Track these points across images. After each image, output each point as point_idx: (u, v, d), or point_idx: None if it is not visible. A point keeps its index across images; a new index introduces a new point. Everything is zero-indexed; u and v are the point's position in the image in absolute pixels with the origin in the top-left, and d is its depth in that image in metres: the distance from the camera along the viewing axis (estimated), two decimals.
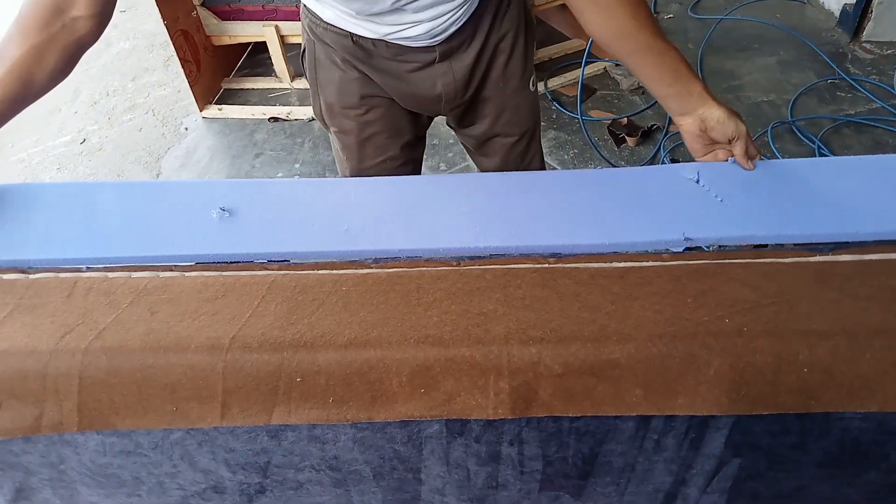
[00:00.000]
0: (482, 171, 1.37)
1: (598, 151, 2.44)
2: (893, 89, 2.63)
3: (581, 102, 2.58)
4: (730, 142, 0.94)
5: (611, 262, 0.82)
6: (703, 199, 0.89)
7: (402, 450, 0.76)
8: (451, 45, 1.11)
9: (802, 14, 3.24)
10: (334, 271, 0.83)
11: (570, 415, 0.70)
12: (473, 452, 0.77)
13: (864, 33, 2.96)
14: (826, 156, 2.36)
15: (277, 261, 0.87)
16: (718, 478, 0.79)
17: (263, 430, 0.75)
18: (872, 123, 2.48)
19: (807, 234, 0.83)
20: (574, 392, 0.70)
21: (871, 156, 0.96)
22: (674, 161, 2.39)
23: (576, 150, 2.46)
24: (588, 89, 2.76)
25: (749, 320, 0.71)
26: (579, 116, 2.56)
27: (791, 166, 0.95)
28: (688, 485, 0.81)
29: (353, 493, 0.82)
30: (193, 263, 0.86)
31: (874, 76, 2.73)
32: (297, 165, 2.52)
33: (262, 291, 0.79)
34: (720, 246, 0.86)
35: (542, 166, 1.41)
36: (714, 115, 0.92)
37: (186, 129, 2.76)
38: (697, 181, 0.91)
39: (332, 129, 1.27)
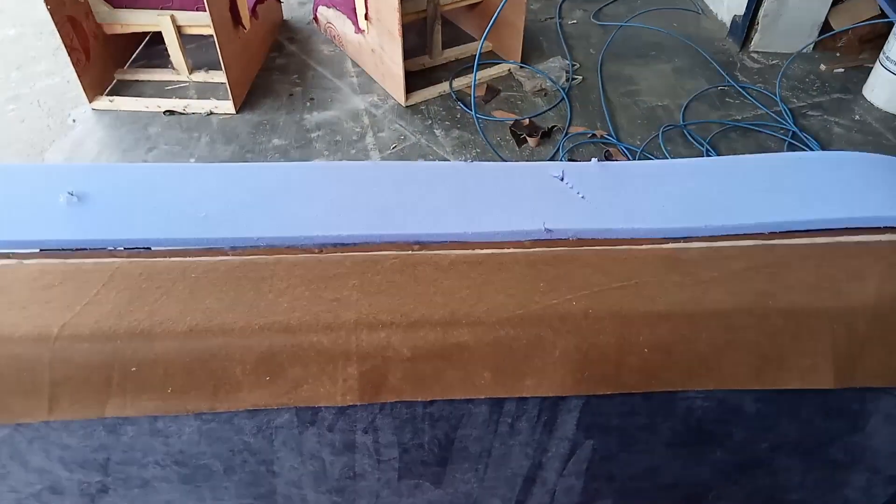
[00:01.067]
0: None
1: (496, 152, 2.47)
2: (776, 97, 2.79)
3: (474, 102, 2.61)
4: None
5: (473, 250, 0.82)
6: (565, 194, 0.90)
7: (252, 441, 0.74)
8: None
9: (697, 24, 3.39)
10: (187, 259, 0.79)
11: (421, 399, 0.70)
12: (327, 442, 0.75)
13: (752, 44, 3.13)
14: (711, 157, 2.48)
15: (131, 248, 0.82)
16: (574, 460, 0.81)
17: (100, 423, 0.71)
18: (757, 128, 2.62)
19: (660, 227, 0.86)
20: (423, 376, 0.69)
21: (735, 156, 1.01)
22: (571, 161, 2.45)
23: (478, 150, 2.48)
24: (492, 90, 2.80)
25: (595, 303, 0.73)
26: (474, 114, 2.59)
27: (658, 166, 0.98)
28: (545, 468, 0.82)
29: (203, 489, 0.79)
30: (37, 251, 0.81)
31: (760, 84, 2.89)
32: (192, 160, 2.42)
33: (103, 279, 0.75)
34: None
35: None
36: None
37: (74, 121, 2.62)
38: (562, 179, 0.92)
39: None
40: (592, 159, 0.97)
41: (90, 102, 2.65)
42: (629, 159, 2.43)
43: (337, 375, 0.69)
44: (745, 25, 3.11)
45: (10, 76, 2.90)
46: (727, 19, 3.32)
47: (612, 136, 2.54)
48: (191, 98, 2.72)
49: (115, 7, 2.62)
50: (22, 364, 0.67)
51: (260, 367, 0.68)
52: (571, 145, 2.50)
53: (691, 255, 0.81)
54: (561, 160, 2.42)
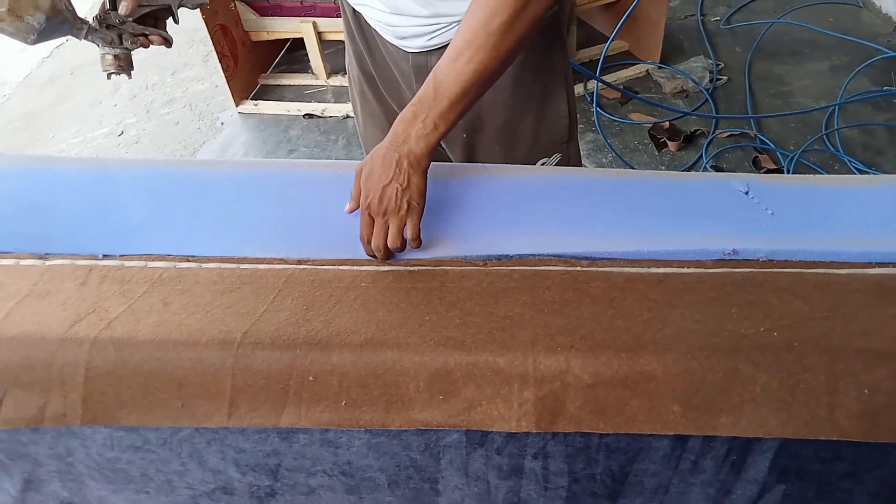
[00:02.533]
0: None
1: (621, 157, 2.37)
2: None
3: (596, 102, 2.51)
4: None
5: (648, 268, 0.76)
6: (752, 210, 0.82)
7: (419, 458, 0.72)
8: (426, 65, 0.96)
9: (858, 18, 3.11)
10: (354, 267, 0.79)
11: (601, 431, 0.65)
12: (494, 465, 0.72)
13: None
14: (879, 165, 2.26)
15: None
16: None
17: (274, 431, 0.71)
18: None
19: (865, 251, 0.76)
20: (606, 405, 0.65)
21: None
22: (717, 168, 2.30)
23: (613, 154, 2.39)
24: (629, 91, 2.69)
25: (800, 335, 0.65)
26: (595, 115, 2.49)
27: (858, 181, 0.88)
28: None
29: (366, 500, 0.78)
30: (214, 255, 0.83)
31: None
32: None
33: (278, 285, 0.76)
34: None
35: None
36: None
37: (222, 123, 2.77)
38: (747, 193, 0.84)
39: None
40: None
41: (236, 106, 2.80)
42: (781, 167, 2.25)
43: (512, 399, 0.65)
44: None
45: (165, 81, 3.12)
46: (894, 13, 3.02)
47: (765, 140, 2.36)
48: (328, 102, 2.80)
49: (261, 16, 2.74)
50: (207, 368, 0.68)
51: (434, 384, 0.66)
52: (716, 150, 2.36)
53: None
54: (705, 166, 2.28)
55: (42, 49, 3.44)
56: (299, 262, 0.80)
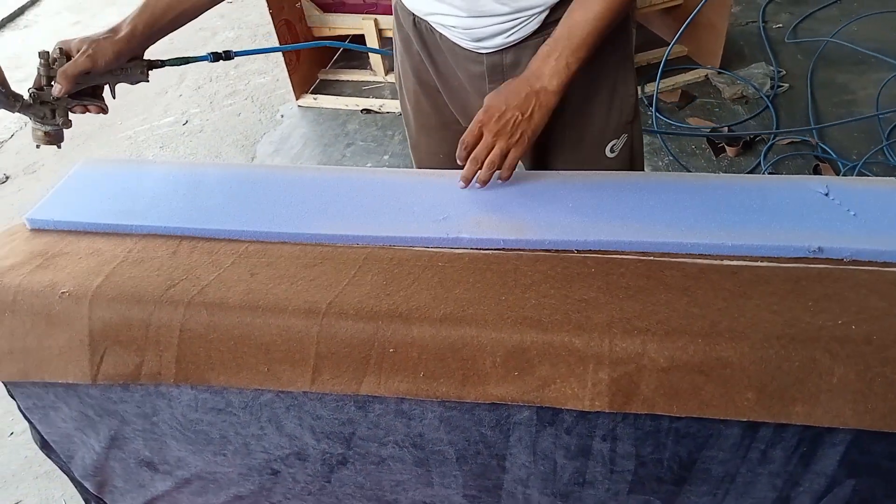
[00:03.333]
0: None
1: (678, 160, 2.35)
2: None
3: (655, 106, 2.48)
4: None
5: (721, 260, 0.77)
6: (834, 211, 0.82)
7: (489, 434, 0.74)
8: (501, 63, 0.98)
9: None
10: (429, 248, 0.82)
11: (674, 414, 0.66)
12: (563, 444, 0.74)
13: None
14: None
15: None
16: (828, 499, 0.73)
17: (351, 399, 0.74)
18: None
19: None
20: (679, 389, 0.66)
21: None
22: (773, 174, 2.27)
23: (671, 157, 2.37)
24: (687, 96, 2.67)
25: (879, 328, 0.65)
26: (653, 119, 2.47)
27: None
28: (792, 503, 0.75)
29: (433, 474, 0.81)
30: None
31: None
32: (385, 157, 2.54)
33: (358, 262, 0.79)
34: None
35: None
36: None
37: (282, 116, 2.84)
38: (826, 194, 0.84)
39: (400, 109, 1.22)
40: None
41: (297, 100, 2.86)
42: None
43: (587, 378, 0.67)
44: None
45: (228, 73, 3.21)
46: None
47: (826, 149, 2.32)
48: (386, 98, 2.85)
49: (324, 12, 2.81)
50: (293, 335, 0.72)
51: (509, 361, 0.68)
52: (776, 157, 2.32)
53: None
54: (764, 172, 2.25)
55: None
56: (374, 244, 0.83)
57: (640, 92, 2.69)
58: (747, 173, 2.28)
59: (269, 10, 2.57)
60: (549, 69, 0.82)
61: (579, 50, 0.82)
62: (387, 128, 2.69)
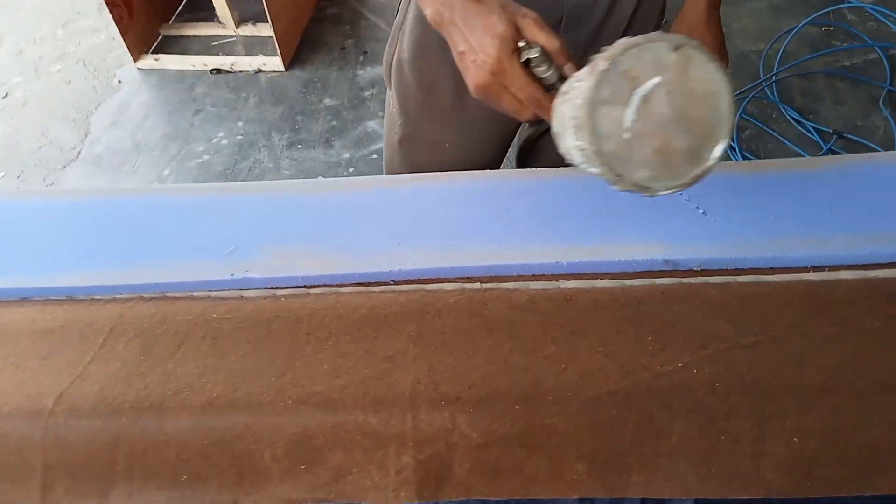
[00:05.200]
0: None
1: None
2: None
3: None
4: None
5: (557, 282, 0.65)
6: (683, 209, 0.70)
7: None
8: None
9: None
10: (211, 293, 0.65)
11: (495, 498, 0.55)
12: None
13: None
14: (817, 112, 2.20)
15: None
16: None
17: None
18: (868, 79, 2.30)
19: (802, 255, 0.67)
20: (498, 467, 0.54)
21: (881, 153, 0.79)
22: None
23: None
24: None
25: (723, 369, 0.56)
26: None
27: (784, 169, 0.77)
28: None
29: None
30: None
31: (871, 23, 2.54)
32: (240, 123, 2.29)
33: (110, 323, 0.62)
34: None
35: None
36: None
37: (120, 81, 2.51)
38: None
39: (393, 86, 1.04)
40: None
41: (135, 62, 2.54)
42: None
43: (388, 465, 0.54)
44: None
45: (55, 33, 2.81)
46: None
47: None
48: (238, 55, 2.57)
49: None
50: (10, 444, 0.55)
51: (293, 451, 0.55)
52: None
53: (845, 292, 0.63)
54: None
55: None
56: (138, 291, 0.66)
57: None
58: None
59: None
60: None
61: None
62: (240, 89, 2.43)
